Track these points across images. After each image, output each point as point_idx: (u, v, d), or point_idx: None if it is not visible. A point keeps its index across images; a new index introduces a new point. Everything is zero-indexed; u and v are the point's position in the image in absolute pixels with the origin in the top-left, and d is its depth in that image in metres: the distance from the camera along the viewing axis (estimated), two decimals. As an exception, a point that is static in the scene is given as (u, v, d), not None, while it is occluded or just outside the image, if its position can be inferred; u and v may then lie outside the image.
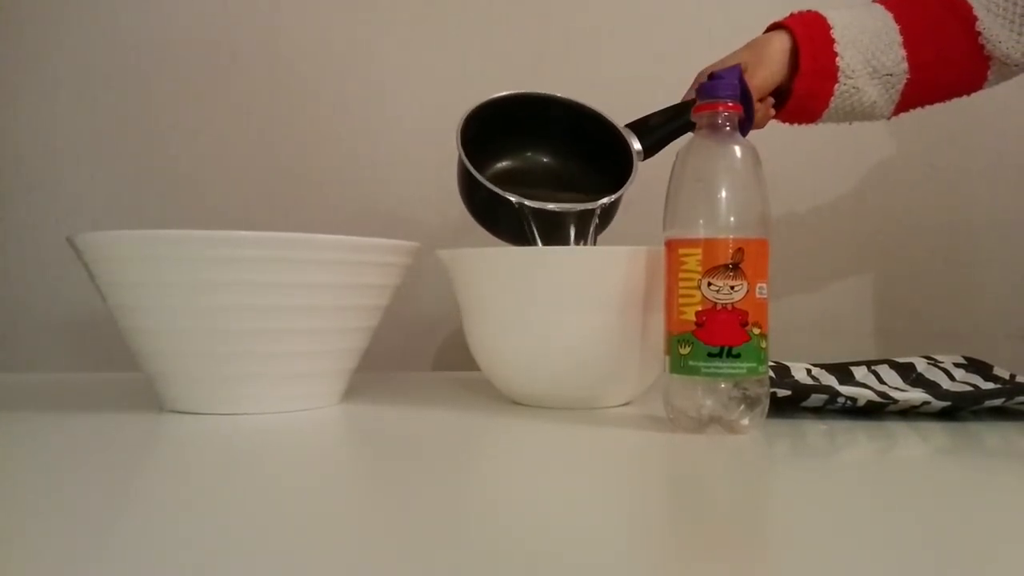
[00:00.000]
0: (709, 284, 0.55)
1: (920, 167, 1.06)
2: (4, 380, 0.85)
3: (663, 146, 0.75)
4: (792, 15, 0.76)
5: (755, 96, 0.72)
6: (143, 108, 1.04)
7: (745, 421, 0.56)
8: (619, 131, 0.74)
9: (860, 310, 1.07)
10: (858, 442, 0.55)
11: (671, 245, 0.58)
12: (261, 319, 0.62)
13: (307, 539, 0.33)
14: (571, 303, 0.64)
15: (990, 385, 0.69)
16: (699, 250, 0.55)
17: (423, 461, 0.49)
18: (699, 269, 0.55)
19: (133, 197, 1.04)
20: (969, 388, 0.69)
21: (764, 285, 0.56)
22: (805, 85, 0.74)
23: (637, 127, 0.75)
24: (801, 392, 0.63)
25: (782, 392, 0.63)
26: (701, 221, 0.56)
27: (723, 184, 0.56)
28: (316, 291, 0.63)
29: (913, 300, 1.06)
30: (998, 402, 0.62)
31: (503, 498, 0.41)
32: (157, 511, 0.38)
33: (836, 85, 0.73)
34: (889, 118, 0.79)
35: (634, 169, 0.72)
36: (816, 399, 0.63)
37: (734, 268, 0.55)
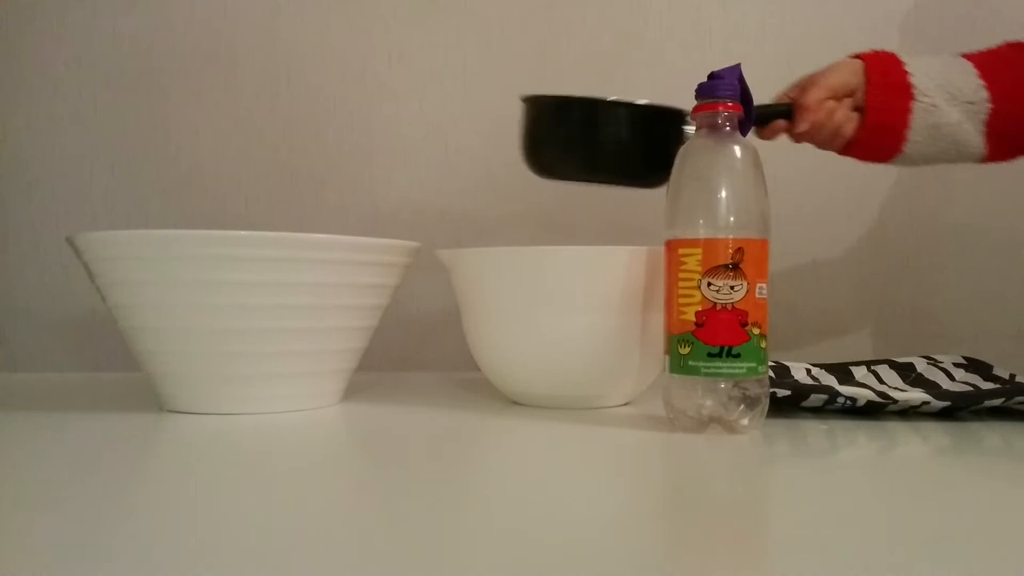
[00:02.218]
0: (709, 284, 0.55)
1: (921, 167, 1.06)
2: (4, 380, 0.85)
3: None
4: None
5: (824, 95, 0.72)
6: (143, 108, 1.04)
7: (745, 421, 0.56)
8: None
9: (860, 310, 1.07)
10: (858, 442, 0.55)
11: (671, 245, 0.58)
12: (261, 319, 0.62)
13: (307, 539, 0.34)
14: (571, 303, 0.64)
15: (990, 385, 0.69)
16: (699, 250, 0.55)
17: (423, 461, 0.49)
18: (699, 269, 0.55)
19: (133, 197, 1.04)
20: (969, 388, 0.69)
21: (764, 285, 0.56)
22: (877, 98, 0.72)
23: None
24: (801, 392, 0.63)
25: (782, 392, 0.63)
26: (701, 221, 0.56)
27: (723, 184, 0.56)
28: (316, 291, 0.63)
29: (913, 300, 1.06)
30: (998, 402, 0.62)
31: (503, 498, 0.41)
32: (157, 511, 0.38)
33: (912, 103, 0.72)
34: (986, 159, 0.76)
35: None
36: (816, 399, 0.63)
37: (734, 268, 0.55)
